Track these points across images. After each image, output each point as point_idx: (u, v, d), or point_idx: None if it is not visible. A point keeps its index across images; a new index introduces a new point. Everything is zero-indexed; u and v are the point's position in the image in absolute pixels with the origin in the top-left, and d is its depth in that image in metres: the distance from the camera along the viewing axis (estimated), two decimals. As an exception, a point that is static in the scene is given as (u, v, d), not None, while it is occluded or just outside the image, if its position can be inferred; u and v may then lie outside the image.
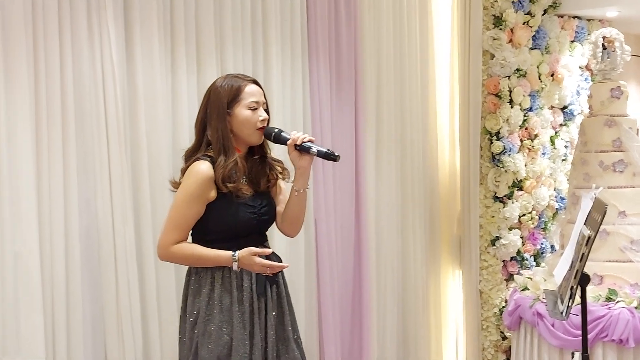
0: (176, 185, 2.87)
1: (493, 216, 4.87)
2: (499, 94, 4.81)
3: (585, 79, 5.34)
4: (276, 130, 2.87)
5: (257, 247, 2.81)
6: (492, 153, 4.83)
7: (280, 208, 2.95)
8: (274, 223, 2.97)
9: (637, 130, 4.58)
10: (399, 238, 4.50)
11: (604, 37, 4.49)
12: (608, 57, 4.50)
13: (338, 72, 4.14)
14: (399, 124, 4.47)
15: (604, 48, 4.49)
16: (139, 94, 3.38)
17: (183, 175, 2.84)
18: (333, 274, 4.09)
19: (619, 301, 4.08)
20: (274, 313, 2.87)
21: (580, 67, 5.32)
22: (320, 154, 2.81)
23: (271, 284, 2.87)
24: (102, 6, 3.24)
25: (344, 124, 4.17)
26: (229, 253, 2.73)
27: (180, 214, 2.78)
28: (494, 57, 4.80)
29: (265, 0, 3.80)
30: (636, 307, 4.03)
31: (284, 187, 2.97)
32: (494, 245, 4.87)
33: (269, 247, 2.92)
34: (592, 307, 4.03)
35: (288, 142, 2.82)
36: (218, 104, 2.81)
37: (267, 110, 2.90)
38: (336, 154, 2.81)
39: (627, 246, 4.24)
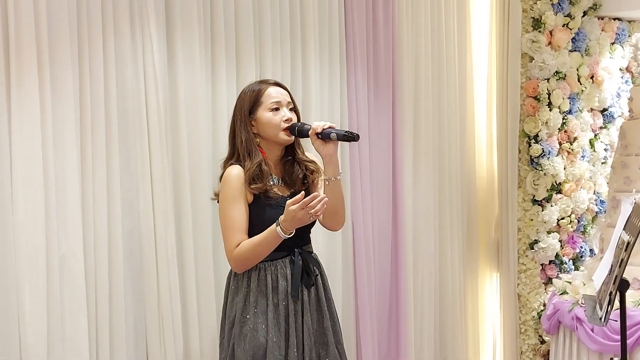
0: (217, 196, 2.95)
1: (532, 219, 4.85)
2: (538, 97, 4.78)
3: (626, 81, 5.28)
4: (298, 124, 2.91)
5: (297, 250, 2.86)
6: (531, 156, 4.81)
7: None
8: (318, 222, 2.99)
9: (679, 133, 4.52)
10: (437, 241, 4.50)
11: (644, 40, 4.45)
12: (649, 60, 4.46)
13: (376, 77, 4.16)
14: (437, 128, 4.47)
15: (645, 50, 4.45)
16: (180, 98, 3.44)
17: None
18: (370, 277, 4.11)
19: (659, 306, 4.03)
20: (310, 316, 2.89)
21: (620, 69, 5.26)
22: (339, 137, 2.85)
23: (307, 287, 2.89)
24: (145, 12, 3.30)
25: (382, 128, 4.18)
26: (274, 227, 2.74)
27: (228, 218, 2.84)
28: (533, 59, 4.78)
29: (304, 6, 3.83)
30: (677, 313, 3.98)
31: (324, 187, 2.99)
32: (533, 248, 4.85)
33: (312, 250, 2.97)
34: (632, 312, 3.98)
35: (309, 133, 2.87)
36: (241, 111, 2.90)
37: (295, 111, 2.94)
38: (355, 133, 2.86)
39: (669, 251, 4.18)
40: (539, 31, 4.76)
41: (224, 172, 2.91)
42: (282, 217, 2.74)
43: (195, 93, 3.47)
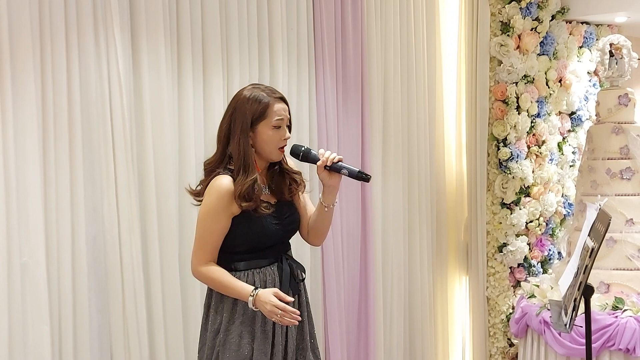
0: (195, 193, 2.88)
1: (500, 223, 4.87)
2: (506, 101, 4.80)
3: (594, 85, 5.33)
4: (303, 149, 2.86)
5: (283, 256, 2.85)
6: (500, 159, 4.83)
7: (304, 220, 2.96)
8: (298, 232, 2.98)
9: (645, 137, 4.56)
10: (406, 245, 4.50)
11: (611, 44, 4.48)
12: (616, 64, 4.48)
13: (344, 81, 4.15)
14: (406, 132, 4.47)
15: (612, 55, 4.48)
16: (145, 104, 3.39)
17: (203, 186, 2.83)
18: (339, 281, 4.10)
19: (625, 310, 4.06)
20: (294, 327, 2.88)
21: (588, 73, 5.31)
22: (351, 175, 2.81)
23: (295, 293, 2.88)
24: (109, 16, 3.25)
25: (351, 132, 4.17)
26: (249, 289, 2.72)
27: (206, 229, 2.77)
28: (502, 63, 4.80)
29: (272, 11, 3.81)
30: (643, 316, 4.02)
31: (307, 199, 2.99)
32: (501, 251, 4.87)
33: (291, 255, 2.95)
34: (599, 316, 4.02)
35: (318, 163, 2.82)
36: (242, 119, 2.77)
37: (290, 127, 2.88)
38: (367, 174, 2.82)
39: (634, 254, 4.23)
40: (508, 35, 4.78)
41: (210, 179, 2.81)
42: (260, 292, 2.71)
43: (160, 98, 3.42)
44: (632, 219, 4.28)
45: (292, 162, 2.99)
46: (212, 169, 2.83)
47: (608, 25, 5.37)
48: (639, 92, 5.70)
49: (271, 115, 2.78)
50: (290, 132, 2.87)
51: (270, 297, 2.68)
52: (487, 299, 4.91)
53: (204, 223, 2.77)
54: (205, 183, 2.83)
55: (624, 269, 4.24)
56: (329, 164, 2.80)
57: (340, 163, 2.82)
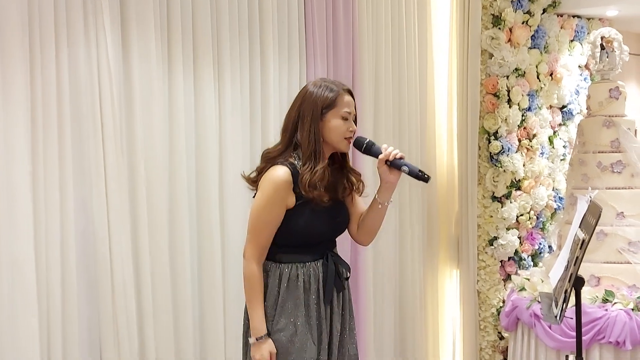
0: (250, 180, 2.86)
1: (491, 216, 4.86)
2: (497, 94, 4.79)
3: (585, 79, 5.33)
4: (367, 141, 2.86)
5: (329, 253, 2.84)
6: (491, 153, 4.82)
7: (354, 219, 2.96)
8: (347, 231, 2.98)
9: (636, 131, 4.57)
10: (397, 238, 4.49)
11: (602, 37, 4.48)
12: (607, 57, 4.48)
13: (336, 73, 4.13)
14: (397, 125, 4.46)
15: (603, 48, 4.47)
16: (135, 95, 3.37)
17: (258, 173, 2.82)
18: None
19: (615, 303, 4.06)
20: (338, 320, 2.88)
21: (579, 67, 5.30)
22: (411, 173, 2.80)
23: (339, 291, 2.88)
24: (99, 6, 3.23)
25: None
26: (264, 330, 2.73)
27: (261, 221, 2.75)
28: (493, 56, 4.79)
29: (262, 3, 3.79)
30: (633, 309, 4.01)
31: (359, 199, 2.98)
32: (492, 245, 4.86)
33: (336, 253, 2.93)
34: (589, 309, 4.02)
35: (380, 157, 2.82)
36: (313, 108, 2.78)
37: (355, 122, 2.88)
38: (428, 175, 2.80)
39: (625, 247, 4.23)
40: (499, 28, 4.77)
41: (267, 168, 2.79)
42: (268, 341, 2.73)
43: (151, 90, 3.40)
44: (622, 212, 4.29)
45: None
46: (272, 157, 2.82)
47: (599, 19, 5.37)
48: (631, 86, 5.71)
49: (341, 105, 2.79)
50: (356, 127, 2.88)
51: (266, 354, 2.71)
52: (477, 292, 4.90)
53: (258, 214, 2.76)
54: (261, 171, 2.81)
55: (614, 262, 4.25)
56: (390, 158, 2.81)
57: (402, 160, 2.82)
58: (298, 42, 3.94)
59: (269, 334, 2.74)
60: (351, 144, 2.85)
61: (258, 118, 3.80)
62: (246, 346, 2.85)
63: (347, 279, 2.94)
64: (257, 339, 2.74)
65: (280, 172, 2.73)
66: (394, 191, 2.89)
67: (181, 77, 3.51)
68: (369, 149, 2.85)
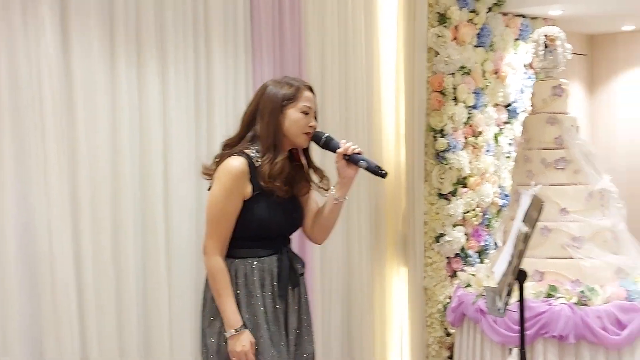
0: (209, 171, 2.85)
1: (437, 213, 4.89)
2: (444, 92, 4.82)
3: (529, 77, 5.39)
4: (326, 135, 2.87)
5: (285, 248, 2.84)
6: (437, 150, 4.85)
7: (309, 216, 2.96)
8: (301, 229, 2.99)
9: (578, 128, 4.63)
10: (344, 236, 4.49)
11: (545, 36, 4.54)
12: (550, 56, 4.55)
13: (283, 71, 4.10)
14: (344, 123, 4.45)
15: (546, 46, 4.53)
16: (76, 89, 3.30)
17: (216, 164, 2.82)
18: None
19: (559, 297, 4.12)
20: (293, 315, 2.88)
21: (524, 65, 5.37)
22: (369, 169, 2.81)
23: (294, 286, 2.88)
24: (38, -3, 3.16)
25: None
26: (240, 320, 2.71)
27: (219, 210, 2.75)
28: (439, 54, 4.82)
29: (208, -2, 3.75)
30: (576, 304, 4.07)
31: (314, 197, 2.99)
32: (438, 242, 4.89)
33: (291, 249, 2.92)
34: (533, 304, 4.06)
35: (338, 151, 2.83)
36: (273, 100, 2.80)
37: (316, 119, 2.89)
38: (384, 171, 2.82)
39: (569, 243, 4.29)
40: (445, 26, 4.80)
41: (225, 156, 2.79)
42: (247, 332, 2.71)
43: (93, 84, 3.34)
44: (565, 208, 4.34)
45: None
46: (229, 147, 2.84)
47: (543, 19, 5.44)
48: (573, 83, 5.81)
49: (301, 99, 2.81)
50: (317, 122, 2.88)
51: (247, 344, 2.69)
52: (424, 289, 4.92)
53: (216, 205, 2.76)
54: (219, 162, 2.81)
55: (558, 258, 4.30)
56: (349, 152, 2.81)
57: (360, 155, 2.82)
58: (244, 37, 3.90)
59: (245, 325, 2.72)
60: (310, 139, 2.86)
61: (204, 113, 3.75)
62: (205, 346, 2.82)
63: (302, 274, 2.93)
64: (235, 331, 2.71)
65: (236, 162, 2.74)
66: (349, 190, 2.89)
67: (124, 71, 3.45)
68: (327, 144, 2.86)
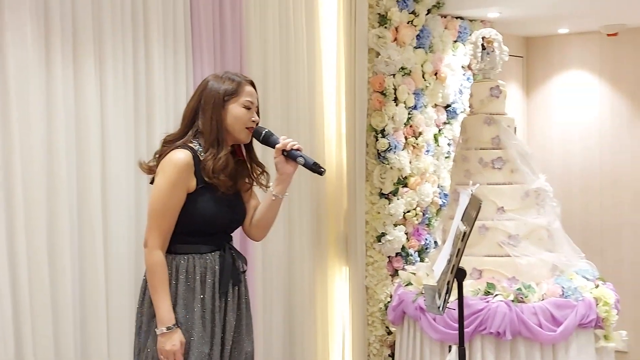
0: (148, 168, 2.84)
1: (379, 212, 4.93)
2: (384, 92, 4.86)
3: (468, 78, 5.48)
4: (266, 130, 2.88)
5: (227, 245, 2.83)
6: (378, 150, 4.89)
7: (249, 213, 2.95)
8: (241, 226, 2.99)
9: (515, 128, 4.73)
10: (286, 235, 4.49)
11: (483, 38, 4.61)
12: (488, 57, 4.62)
13: (223, 69, 4.08)
14: (285, 123, 4.45)
15: (484, 48, 4.61)
16: (10, 86, 3.21)
17: (157, 160, 2.80)
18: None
19: (497, 295, 4.19)
20: (233, 314, 2.86)
21: (463, 67, 5.45)
22: (306, 165, 2.83)
23: (235, 284, 2.86)
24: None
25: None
26: (173, 318, 2.69)
27: (163, 203, 2.72)
28: (379, 55, 4.86)
29: (146, -6, 3.70)
30: (513, 301, 4.15)
31: (255, 194, 2.99)
32: (380, 241, 4.93)
33: (233, 246, 2.92)
34: (471, 301, 4.13)
35: (277, 146, 2.83)
36: (215, 95, 2.80)
37: (258, 114, 2.90)
38: (323, 168, 2.84)
39: (505, 241, 4.36)
40: (385, 27, 4.84)
41: (165, 153, 2.77)
42: (178, 332, 2.70)
43: (27, 81, 3.25)
44: (502, 207, 4.42)
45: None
46: (171, 141, 2.81)
47: (481, 21, 5.53)
48: (510, 85, 5.92)
49: (243, 94, 2.83)
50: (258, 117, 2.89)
51: (177, 344, 2.67)
52: (366, 288, 4.96)
53: (160, 198, 2.73)
54: (160, 156, 2.80)
55: (495, 256, 4.37)
56: (287, 148, 2.82)
57: (298, 151, 2.83)
58: (184, 36, 3.87)
59: (178, 324, 2.70)
60: (251, 135, 2.87)
61: (143, 113, 3.70)
62: (139, 344, 2.80)
63: (244, 272, 2.92)
64: (167, 329, 2.68)
65: (181, 155, 2.74)
66: (289, 186, 2.91)
67: (60, 68, 3.37)
68: (267, 139, 2.88)
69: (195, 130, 2.81)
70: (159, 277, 2.72)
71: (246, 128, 2.84)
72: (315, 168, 2.84)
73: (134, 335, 2.89)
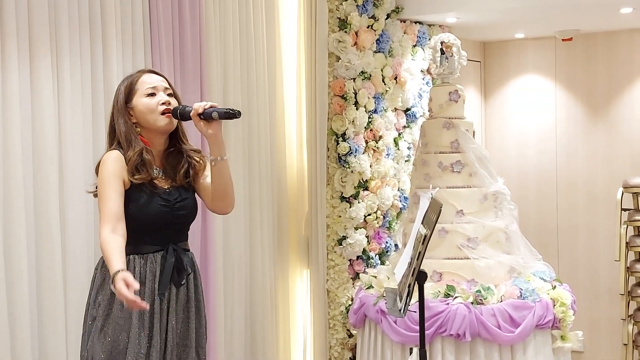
0: (94, 192, 2.87)
1: (340, 216, 4.95)
2: (345, 96, 4.89)
3: (427, 83, 5.53)
4: (180, 107, 2.86)
5: (172, 246, 2.81)
6: (339, 154, 4.91)
7: (207, 194, 2.93)
8: (208, 208, 2.99)
9: (474, 132, 4.78)
10: (247, 239, 4.48)
11: (442, 42, 4.66)
12: (446, 62, 4.67)
13: (183, 73, 4.06)
14: (246, 127, 4.45)
15: (443, 53, 4.66)
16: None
17: (96, 172, 2.84)
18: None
19: (456, 297, 4.24)
20: (176, 316, 2.82)
21: (422, 71, 5.50)
22: (221, 116, 2.80)
23: (177, 286, 2.82)
24: None
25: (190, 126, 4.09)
26: (119, 267, 2.58)
27: (104, 197, 2.73)
28: (340, 59, 4.88)
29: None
30: (472, 303, 4.20)
31: (208, 175, 2.94)
32: (341, 244, 4.95)
33: (188, 248, 2.90)
34: (432, 303, 4.17)
35: (191, 114, 2.81)
36: (118, 99, 2.84)
37: (175, 96, 2.89)
38: (235, 110, 2.81)
39: (464, 244, 4.41)
40: (345, 31, 4.87)
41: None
42: (119, 275, 2.55)
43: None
44: (461, 210, 4.47)
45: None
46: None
47: (440, 26, 5.59)
48: (469, 89, 5.99)
49: (141, 85, 2.84)
50: (178, 100, 2.89)
51: (117, 283, 2.55)
52: (327, 291, 4.97)
53: (101, 185, 2.76)
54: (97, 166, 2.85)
55: (455, 258, 4.42)
56: (200, 111, 2.80)
57: (211, 109, 2.81)
58: (143, 36, 3.84)
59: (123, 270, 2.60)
60: (171, 118, 2.86)
61: (101, 113, 3.66)
62: (86, 342, 2.77)
63: (189, 274, 2.87)
64: (115, 275, 2.57)
65: (111, 154, 2.80)
66: (224, 147, 2.86)
67: (16, 69, 3.31)
68: (183, 113, 2.86)
69: (118, 140, 2.85)
70: (106, 250, 2.66)
71: (162, 114, 2.83)
72: (230, 114, 2.81)
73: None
